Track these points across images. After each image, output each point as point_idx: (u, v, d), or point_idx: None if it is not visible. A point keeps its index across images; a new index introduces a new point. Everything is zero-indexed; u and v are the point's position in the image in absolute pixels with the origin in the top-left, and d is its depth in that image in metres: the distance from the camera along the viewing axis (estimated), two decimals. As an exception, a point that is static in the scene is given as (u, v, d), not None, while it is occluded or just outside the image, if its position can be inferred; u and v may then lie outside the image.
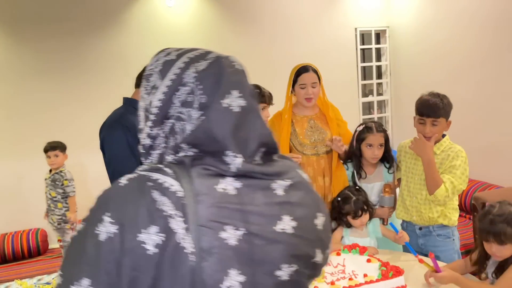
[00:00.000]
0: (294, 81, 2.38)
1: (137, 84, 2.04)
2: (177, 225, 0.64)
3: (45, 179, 3.43)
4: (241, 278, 0.67)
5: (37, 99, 3.67)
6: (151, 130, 0.75)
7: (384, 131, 2.29)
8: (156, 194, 0.66)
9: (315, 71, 2.38)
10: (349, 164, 2.37)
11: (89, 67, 3.75)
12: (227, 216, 0.68)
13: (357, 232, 2.17)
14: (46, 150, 3.35)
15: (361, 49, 4.88)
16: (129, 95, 2.13)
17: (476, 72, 3.93)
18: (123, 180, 0.69)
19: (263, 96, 2.26)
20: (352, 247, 2.01)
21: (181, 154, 0.73)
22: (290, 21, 4.43)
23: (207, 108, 0.72)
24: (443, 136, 2.14)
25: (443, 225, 2.12)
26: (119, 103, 2.03)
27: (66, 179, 3.33)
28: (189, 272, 0.63)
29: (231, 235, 0.67)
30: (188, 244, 0.64)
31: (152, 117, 0.75)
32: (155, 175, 0.68)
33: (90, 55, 3.75)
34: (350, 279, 1.72)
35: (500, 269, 1.60)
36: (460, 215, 2.26)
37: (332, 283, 1.70)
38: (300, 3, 4.47)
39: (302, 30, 4.48)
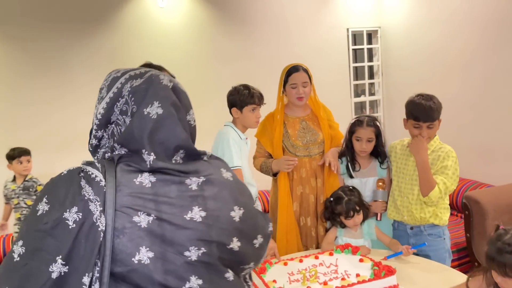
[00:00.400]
0: (285, 81, 2.39)
1: None
2: (95, 208, 0.82)
3: (10, 189, 3.22)
4: (151, 254, 0.84)
5: (27, 98, 3.62)
6: (96, 132, 0.94)
7: (376, 126, 2.28)
8: (83, 182, 0.85)
9: (306, 71, 2.38)
10: (343, 158, 2.38)
11: (80, 67, 3.72)
12: (141, 204, 0.85)
13: (351, 232, 2.17)
14: (17, 156, 3.13)
15: (353, 49, 4.89)
16: None
17: (467, 72, 3.96)
18: (65, 171, 0.88)
19: (252, 97, 2.25)
20: (344, 247, 2.02)
21: (116, 152, 0.91)
22: (282, 22, 4.43)
23: (133, 115, 0.91)
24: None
25: (434, 225, 2.13)
26: None
27: (39, 185, 3.21)
28: (100, 246, 0.81)
29: (142, 220, 0.84)
30: (101, 223, 0.81)
31: (96, 121, 0.94)
32: (87, 168, 0.87)
33: (82, 55, 3.72)
34: (343, 279, 1.73)
35: None
36: (451, 214, 2.28)
37: (325, 283, 1.70)
38: (292, 3, 4.47)
39: (294, 31, 4.48)
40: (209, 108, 3.96)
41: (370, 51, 5.04)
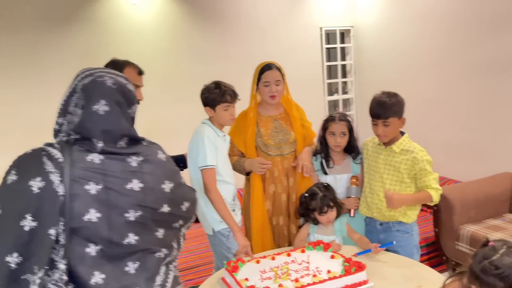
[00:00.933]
0: (258, 79, 2.39)
1: None
2: (55, 178, 1.07)
3: None
4: (98, 214, 1.10)
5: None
6: (58, 119, 1.19)
7: (347, 121, 2.33)
8: (45, 159, 1.09)
9: (279, 69, 2.39)
10: (318, 155, 2.41)
11: (49, 64, 3.62)
12: (91, 176, 1.11)
13: (323, 229, 2.20)
14: None
15: (326, 48, 4.94)
16: None
17: (436, 70, 4.07)
18: (29, 150, 1.12)
19: (223, 96, 2.19)
20: (316, 244, 2.04)
21: (71, 137, 1.16)
22: (256, 20, 4.44)
23: (85, 109, 1.16)
24: (402, 134, 2.19)
25: (402, 222, 2.18)
26: None
27: None
28: (60, 206, 1.06)
29: (92, 188, 1.10)
30: (61, 190, 1.07)
31: (59, 110, 1.19)
32: (48, 148, 1.12)
33: (53, 51, 3.62)
34: (314, 275, 1.75)
35: None
36: (421, 209, 2.34)
37: (297, 280, 1.72)
38: (265, 2, 4.48)
39: (268, 29, 4.49)
40: (183, 105, 3.94)
41: (343, 50, 5.10)
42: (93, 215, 1.10)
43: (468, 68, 3.77)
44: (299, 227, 2.30)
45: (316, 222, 2.20)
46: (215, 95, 2.20)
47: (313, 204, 2.15)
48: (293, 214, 2.39)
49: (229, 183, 2.26)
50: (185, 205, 1.28)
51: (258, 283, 1.68)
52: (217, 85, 2.23)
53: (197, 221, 3.90)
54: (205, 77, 4.41)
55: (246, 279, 1.74)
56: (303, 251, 2.02)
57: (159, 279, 1.21)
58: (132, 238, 1.15)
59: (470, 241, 2.97)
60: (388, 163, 2.16)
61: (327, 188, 2.21)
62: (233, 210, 2.25)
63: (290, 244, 2.38)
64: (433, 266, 3.17)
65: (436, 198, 2.10)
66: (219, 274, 1.95)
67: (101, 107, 1.16)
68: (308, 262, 1.88)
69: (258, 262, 1.93)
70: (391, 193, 2.00)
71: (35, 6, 3.56)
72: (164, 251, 1.24)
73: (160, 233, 1.21)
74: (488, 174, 3.44)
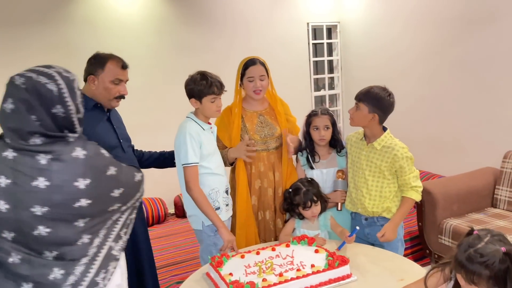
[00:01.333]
0: (242, 74, 2.37)
1: (87, 72, 2.07)
2: None
3: None
4: (7, 206, 1.22)
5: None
6: None
7: (330, 115, 2.37)
8: None
9: (263, 64, 2.38)
10: (303, 151, 2.42)
11: (33, 57, 3.55)
12: (3, 170, 1.22)
13: (308, 224, 2.21)
14: None
15: (313, 43, 4.95)
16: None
17: (421, 66, 4.11)
18: None
19: (210, 87, 2.12)
20: (301, 238, 2.05)
21: None
22: (242, 15, 4.42)
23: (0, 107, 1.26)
24: (385, 130, 2.19)
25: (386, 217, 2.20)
26: None
27: None
28: None
29: (2, 181, 1.21)
30: None
31: None
32: None
33: (35, 45, 3.56)
34: (298, 270, 1.76)
35: None
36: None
37: (281, 274, 1.73)
38: (252, -3, 4.47)
39: (255, 24, 4.48)
40: (168, 99, 3.91)
41: (329, 45, 5.11)
42: (2, 206, 1.22)
43: (453, 64, 3.82)
44: (285, 221, 2.31)
45: (301, 217, 2.21)
46: (201, 87, 2.12)
47: (297, 199, 2.16)
48: (278, 209, 2.40)
49: (220, 175, 2.22)
50: (116, 192, 1.34)
51: (242, 278, 1.69)
52: (203, 75, 2.14)
53: (184, 216, 3.89)
54: (190, 71, 4.39)
55: (231, 274, 1.74)
56: (287, 246, 2.02)
57: (79, 269, 1.28)
58: (42, 230, 1.23)
59: (452, 235, 3.02)
60: (370, 159, 2.18)
61: (311, 182, 2.22)
62: (227, 205, 2.24)
63: (276, 239, 2.39)
64: (417, 259, 3.22)
65: (417, 197, 2.13)
66: (203, 269, 1.95)
67: (8, 105, 1.24)
68: (292, 257, 1.89)
69: (242, 257, 1.93)
70: (382, 235, 2.06)
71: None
72: (87, 237, 1.30)
73: (81, 223, 1.28)
74: (470, 169, 3.49)
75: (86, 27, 3.74)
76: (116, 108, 2.24)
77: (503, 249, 1.31)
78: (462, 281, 1.38)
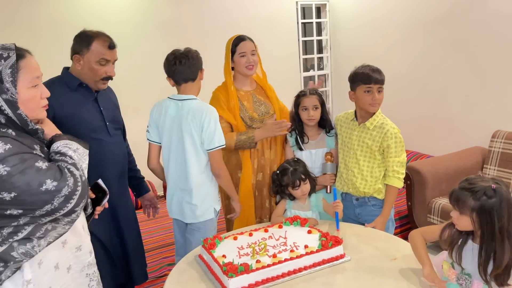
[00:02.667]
0: (233, 52, 2.34)
1: (73, 51, 1.98)
2: None
3: None
4: None
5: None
6: None
7: (318, 95, 2.35)
8: None
9: (252, 40, 2.37)
10: (292, 132, 2.41)
11: (16, 36, 3.43)
12: None
13: (299, 204, 2.20)
14: None
15: (302, 23, 4.88)
16: (63, 65, 2.06)
17: (410, 45, 4.09)
18: None
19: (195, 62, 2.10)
20: (293, 219, 2.04)
21: None
22: (231, -7, 4.32)
23: None
24: None
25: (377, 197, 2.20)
26: (51, 73, 1.97)
27: None
28: None
29: None
30: None
31: None
32: None
33: (18, 24, 3.43)
34: (292, 251, 1.75)
35: (483, 267, 1.40)
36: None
37: (274, 255, 1.71)
38: (240, -26, 4.36)
39: (243, 3, 4.39)
40: (154, 80, 3.82)
41: (319, 25, 5.05)
42: None
43: (442, 43, 3.80)
44: (276, 203, 2.30)
45: (292, 197, 2.20)
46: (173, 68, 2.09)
47: (285, 180, 2.15)
48: (268, 190, 2.39)
49: None
50: (5, 195, 1.21)
51: (236, 260, 1.67)
52: (176, 57, 2.10)
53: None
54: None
55: (224, 256, 1.72)
56: (280, 227, 2.02)
57: None
58: None
59: (441, 214, 3.06)
60: (361, 139, 2.17)
61: (297, 162, 2.21)
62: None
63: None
64: (406, 238, 3.25)
65: (398, 185, 2.14)
66: (195, 252, 1.93)
67: None
68: (285, 238, 1.88)
69: (235, 238, 1.92)
70: (372, 227, 2.09)
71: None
72: None
73: (13, 211, 1.24)
74: (459, 149, 3.52)
75: (69, 4, 3.62)
76: (112, 88, 2.19)
77: (493, 185, 1.38)
78: (453, 214, 1.45)
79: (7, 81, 1.27)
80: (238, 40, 2.34)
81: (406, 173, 3.25)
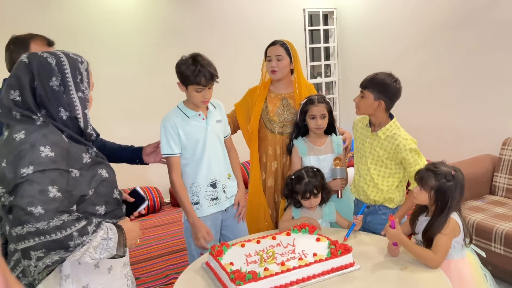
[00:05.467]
0: (265, 56, 2.43)
1: (12, 61, 1.83)
2: None
3: None
4: None
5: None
6: None
7: (326, 103, 2.34)
8: None
9: (284, 46, 2.41)
10: (299, 138, 2.39)
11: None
12: None
13: (309, 213, 2.18)
14: None
15: (309, 30, 4.88)
16: None
17: (418, 53, 4.06)
18: None
19: (196, 77, 1.95)
20: (301, 227, 2.01)
21: None
22: (239, 2, 4.33)
23: None
24: (391, 118, 2.13)
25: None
26: None
27: None
28: None
29: None
30: None
31: None
32: None
33: (28, 30, 3.46)
34: (300, 258, 1.72)
35: (425, 236, 1.76)
36: (406, 192, 2.33)
37: (282, 263, 1.69)
38: (248, -18, 4.37)
39: (251, 10, 4.40)
40: (162, 86, 3.83)
41: (326, 32, 5.05)
42: None
43: (450, 50, 3.78)
44: (284, 209, 2.28)
45: (298, 205, 2.18)
46: (189, 72, 1.97)
47: (297, 188, 2.14)
48: (280, 192, 2.42)
49: (203, 167, 2.12)
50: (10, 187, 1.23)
51: (243, 267, 1.65)
52: (195, 60, 1.98)
53: (178, 205, 3.84)
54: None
55: (231, 263, 1.70)
56: (288, 234, 1.99)
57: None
58: None
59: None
60: (373, 148, 2.14)
61: (315, 173, 2.17)
62: (213, 199, 2.15)
63: None
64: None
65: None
66: (203, 259, 1.91)
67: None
68: (293, 245, 1.86)
69: (243, 246, 1.89)
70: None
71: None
72: None
73: None
74: (469, 156, 3.48)
75: (80, 11, 3.64)
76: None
77: (453, 172, 1.72)
78: (415, 189, 1.78)
79: (85, 81, 1.40)
80: (270, 44, 2.43)
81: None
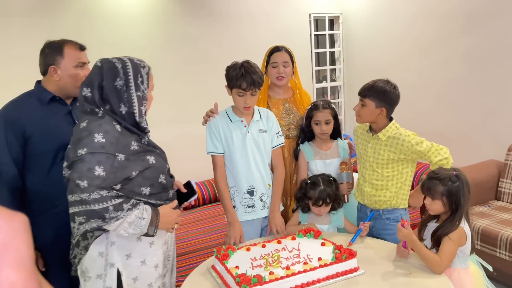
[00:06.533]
0: (268, 62, 2.42)
1: (46, 65, 1.92)
2: None
3: None
4: None
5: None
6: None
7: (331, 108, 2.35)
8: None
9: (288, 52, 2.42)
10: (305, 143, 2.40)
11: (33, 47, 3.50)
12: None
13: (317, 218, 2.19)
14: None
15: (315, 35, 4.90)
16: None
17: (424, 58, 4.07)
18: None
19: (238, 80, 2.03)
20: (307, 231, 2.03)
21: None
22: (244, 5, 4.36)
23: None
24: (391, 120, 2.16)
25: (392, 209, 2.17)
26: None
27: None
28: None
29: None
30: None
31: None
32: None
33: (33, 36, 3.49)
34: (305, 263, 1.73)
35: (434, 236, 1.78)
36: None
37: (287, 267, 1.70)
38: (254, -13, 4.40)
39: (257, 15, 4.42)
40: (169, 92, 3.87)
41: (331, 37, 5.06)
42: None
43: (456, 55, 3.78)
44: (293, 211, 2.30)
45: (306, 210, 2.20)
46: (234, 75, 2.04)
47: (311, 194, 2.14)
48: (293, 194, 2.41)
49: (242, 173, 2.15)
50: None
51: (248, 271, 1.66)
52: (242, 65, 2.06)
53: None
54: (192, 63, 4.32)
55: (237, 267, 1.72)
56: (293, 239, 2.00)
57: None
58: None
59: (456, 228, 3.00)
60: (376, 151, 2.15)
61: (331, 182, 2.18)
62: (249, 207, 2.17)
63: None
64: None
65: (447, 164, 2.04)
66: (209, 262, 1.93)
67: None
68: (298, 250, 1.87)
69: (248, 249, 1.91)
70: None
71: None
72: None
73: None
74: (474, 162, 3.47)
75: (87, 16, 3.68)
76: None
77: (455, 172, 1.78)
78: (427, 201, 1.79)
79: (145, 83, 1.66)
80: (274, 50, 2.42)
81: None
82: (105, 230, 1.58)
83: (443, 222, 1.77)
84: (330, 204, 2.15)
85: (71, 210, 1.50)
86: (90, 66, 1.91)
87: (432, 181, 1.77)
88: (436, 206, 1.77)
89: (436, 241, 1.77)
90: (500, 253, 2.72)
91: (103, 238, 1.60)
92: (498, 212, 3.05)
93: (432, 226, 1.82)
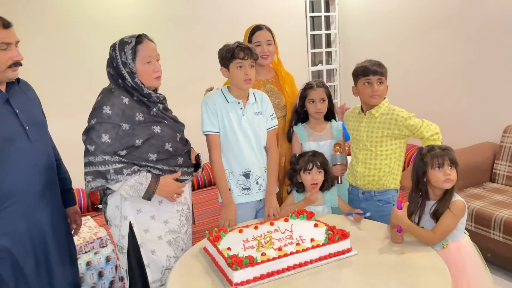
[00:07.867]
0: (249, 41, 2.34)
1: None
2: None
3: None
4: None
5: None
6: None
7: (325, 87, 2.33)
8: None
9: (269, 30, 2.37)
10: (299, 124, 2.38)
11: (26, 27, 3.43)
12: None
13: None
14: None
15: (310, 17, 4.83)
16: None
17: (420, 40, 4.02)
18: None
19: (233, 51, 2.02)
20: (299, 213, 2.01)
21: None
22: (239, -13, 4.28)
23: None
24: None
25: (384, 190, 2.17)
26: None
27: None
28: None
29: None
30: None
31: None
32: None
33: (26, 15, 3.43)
34: (298, 244, 1.72)
35: (436, 214, 1.79)
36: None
37: (280, 248, 1.69)
38: (248, -33, 4.31)
39: (251, -4, 4.35)
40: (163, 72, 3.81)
41: (327, 19, 4.99)
42: None
43: (452, 37, 3.74)
44: (288, 193, 2.29)
45: (301, 189, 2.18)
46: (229, 49, 2.03)
47: (300, 163, 2.14)
48: (282, 177, 2.40)
49: (237, 156, 2.14)
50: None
51: (240, 252, 1.65)
52: (235, 43, 2.06)
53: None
54: (184, 44, 4.24)
55: (229, 249, 1.70)
56: (286, 220, 1.99)
57: None
58: None
59: (451, 210, 3.00)
60: (370, 130, 2.14)
61: (319, 153, 2.19)
62: (244, 189, 2.16)
63: None
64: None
65: (438, 139, 2.07)
66: (201, 244, 1.91)
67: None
68: (291, 231, 1.86)
69: (240, 231, 1.90)
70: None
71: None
72: None
73: None
74: (470, 144, 3.46)
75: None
76: (30, 83, 1.86)
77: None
78: (447, 171, 1.76)
79: (129, 58, 1.81)
80: (255, 29, 2.35)
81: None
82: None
83: (442, 197, 1.78)
84: (322, 174, 2.13)
85: (85, 170, 1.78)
86: (23, 46, 1.70)
87: (442, 152, 1.78)
88: (454, 173, 1.78)
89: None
90: (494, 235, 2.72)
91: (117, 194, 1.85)
92: (492, 194, 3.04)
93: (428, 207, 1.81)
